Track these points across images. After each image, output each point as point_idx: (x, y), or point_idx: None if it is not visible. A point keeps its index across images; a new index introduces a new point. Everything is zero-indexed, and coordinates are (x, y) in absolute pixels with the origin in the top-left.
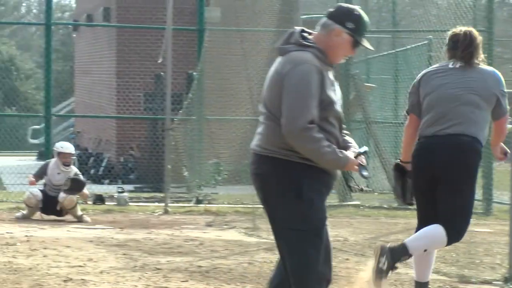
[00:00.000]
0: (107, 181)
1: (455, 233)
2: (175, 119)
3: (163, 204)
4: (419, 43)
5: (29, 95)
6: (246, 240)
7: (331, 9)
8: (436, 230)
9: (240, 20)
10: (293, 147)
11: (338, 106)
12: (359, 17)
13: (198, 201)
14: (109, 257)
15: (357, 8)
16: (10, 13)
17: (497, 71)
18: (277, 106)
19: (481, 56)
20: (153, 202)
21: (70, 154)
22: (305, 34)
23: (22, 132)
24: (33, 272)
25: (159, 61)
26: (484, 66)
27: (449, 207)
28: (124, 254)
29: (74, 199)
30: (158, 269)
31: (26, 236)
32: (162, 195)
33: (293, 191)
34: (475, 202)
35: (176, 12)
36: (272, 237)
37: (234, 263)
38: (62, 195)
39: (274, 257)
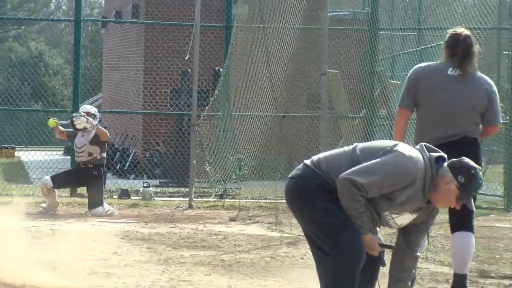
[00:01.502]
0: (132, 175)
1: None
2: (201, 115)
3: (187, 199)
4: (442, 41)
5: (57, 91)
6: (269, 234)
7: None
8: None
9: (266, 17)
10: (338, 186)
11: (392, 218)
12: (474, 175)
13: (221, 196)
14: (134, 250)
15: (478, 168)
16: (39, 9)
17: (489, 80)
18: (364, 155)
19: (476, 64)
20: (178, 196)
21: (88, 114)
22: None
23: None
24: (58, 265)
25: (186, 58)
26: (479, 74)
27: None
28: (149, 248)
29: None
30: (182, 262)
31: (52, 229)
32: (186, 190)
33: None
34: (496, 198)
35: (204, 9)
36: (295, 231)
37: (257, 257)
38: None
39: (296, 251)
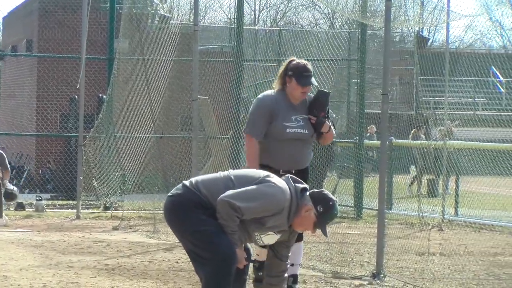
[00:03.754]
0: (27, 190)
1: None
2: (87, 136)
3: (75, 211)
4: None
5: None
6: (148, 241)
7: (316, 191)
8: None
9: (145, 50)
10: (218, 205)
11: (259, 237)
12: (331, 207)
13: (106, 208)
14: (28, 256)
15: (335, 200)
16: None
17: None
18: (239, 183)
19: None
20: (67, 208)
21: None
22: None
23: None
24: None
25: (78, 87)
26: None
27: None
28: (41, 254)
29: None
30: (70, 266)
31: None
32: (74, 202)
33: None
34: (348, 208)
35: (89, 43)
36: (170, 238)
37: (137, 262)
38: None
39: (172, 256)
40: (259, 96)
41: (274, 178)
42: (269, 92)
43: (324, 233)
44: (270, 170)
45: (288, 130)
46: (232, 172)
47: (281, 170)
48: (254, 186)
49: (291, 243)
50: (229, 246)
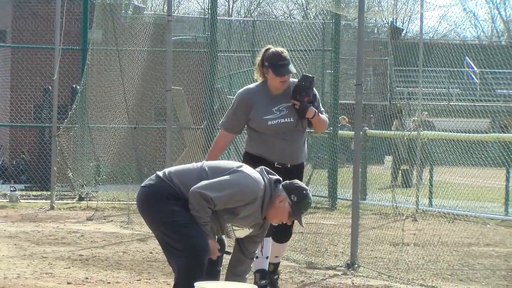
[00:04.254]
0: (1, 181)
1: None
2: (61, 127)
3: (49, 201)
4: None
5: None
6: (122, 232)
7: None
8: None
9: (119, 41)
10: (189, 197)
11: (232, 230)
12: (305, 196)
13: (81, 198)
14: (2, 247)
15: (308, 189)
16: None
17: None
18: (212, 173)
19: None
20: (41, 199)
21: None
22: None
23: None
24: None
25: (55, 78)
26: None
27: None
28: (15, 244)
29: None
30: (44, 257)
31: None
32: (48, 193)
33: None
34: (322, 198)
35: (63, 34)
36: (144, 229)
37: (111, 252)
38: None
39: (146, 246)
40: (240, 90)
41: (248, 169)
42: (251, 85)
43: (300, 222)
44: (265, 163)
45: (270, 123)
46: (206, 163)
47: (276, 163)
48: (227, 176)
49: (260, 239)
50: (201, 237)
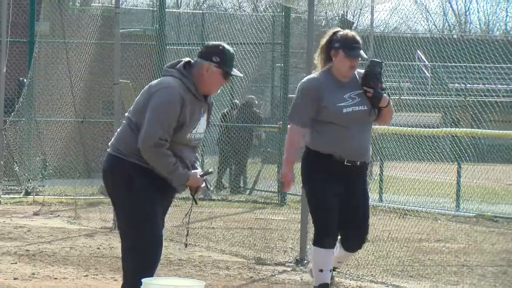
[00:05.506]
0: None
1: None
2: (7, 120)
3: None
4: None
5: None
6: (69, 227)
7: (201, 49)
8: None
9: (67, 33)
10: (144, 157)
11: (193, 134)
12: (223, 51)
13: (27, 193)
14: None
15: (222, 43)
16: None
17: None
18: (138, 117)
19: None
20: None
21: None
22: (190, 65)
23: None
24: None
25: (4, 71)
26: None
27: None
28: None
29: None
30: None
31: None
32: None
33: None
34: (272, 194)
35: (10, 26)
36: (91, 224)
37: (58, 248)
38: None
39: (93, 242)
40: (303, 80)
41: (156, 85)
42: (313, 75)
43: (238, 75)
44: (331, 161)
45: (345, 110)
46: (126, 114)
47: (345, 161)
48: (149, 110)
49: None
50: (155, 236)
